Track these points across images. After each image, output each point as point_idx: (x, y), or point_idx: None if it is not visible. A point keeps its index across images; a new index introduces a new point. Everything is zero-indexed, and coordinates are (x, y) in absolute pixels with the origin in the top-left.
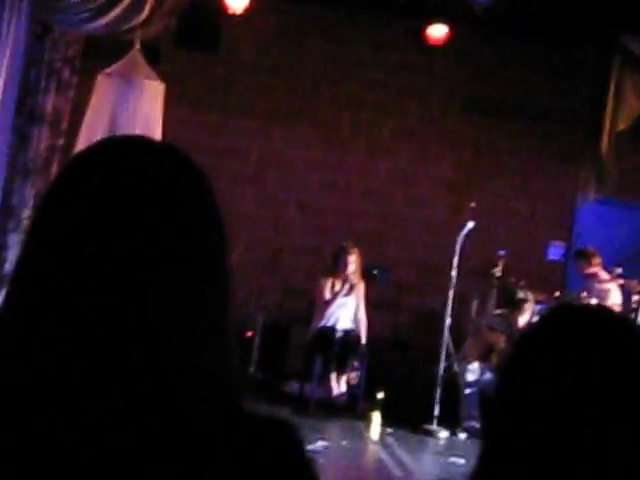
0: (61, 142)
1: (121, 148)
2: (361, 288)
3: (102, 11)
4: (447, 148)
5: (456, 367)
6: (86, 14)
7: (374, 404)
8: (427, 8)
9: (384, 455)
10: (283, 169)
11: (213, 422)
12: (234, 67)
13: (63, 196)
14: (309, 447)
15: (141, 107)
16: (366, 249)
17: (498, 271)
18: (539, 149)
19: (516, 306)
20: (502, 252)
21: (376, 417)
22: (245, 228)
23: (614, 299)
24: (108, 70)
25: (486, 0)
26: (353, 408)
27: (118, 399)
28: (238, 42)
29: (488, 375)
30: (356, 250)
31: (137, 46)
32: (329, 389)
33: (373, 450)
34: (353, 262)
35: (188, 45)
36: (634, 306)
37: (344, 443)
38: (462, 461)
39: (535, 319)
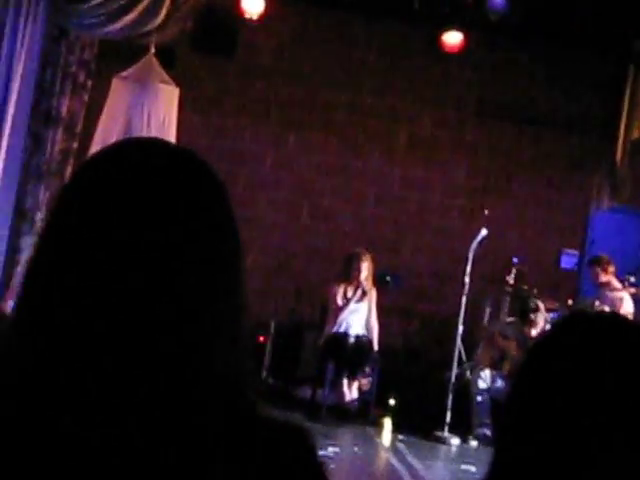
0: (75, 145)
1: (136, 150)
2: (373, 294)
3: (118, 15)
4: (462, 155)
5: (468, 374)
6: (102, 18)
7: (386, 410)
8: (442, 15)
9: (395, 461)
10: (297, 174)
11: (225, 425)
12: (249, 72)
13: (77, 198)
14: (320, 452)
15: (156, 111)
16: (379, 255)
17: (511, 279)
18: (553, 156)
19: (527, 314)
20: (515, 260)
21: (387, 423)
22: (259, 233)
23: (627, 308)
24: (123, 74)
25: (501, 8)
26: (365, 414)
27: (131, 401)
28: (254, 47)
29: (500, 383)
30: (369, 256)
31: (152, 50)
32: (341, 395)
33: (384, 456)
34: (366, 268)
35: (203, 49)
36: None
37: (355, 449)
38: (473, 469)
39: (548, 327)
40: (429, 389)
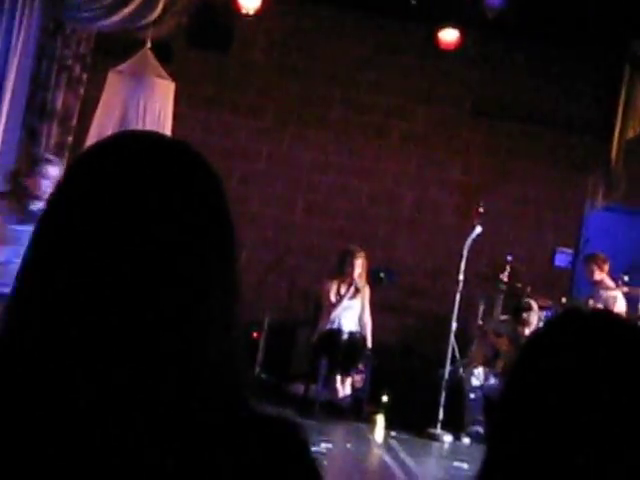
0: (70, 139)
1: (131, 142)
2: (366, 292)
3: (114, 9)
4: (456, 153)
5: (461, 372)
6: (98, 11)
7: (378, 407)
8: (439, 12)
9: (388, 458)
10: (292, 170)
11: (218, 420)
12: (245, 67)
13: (72, 192)
14: (313, 449)
15: (151, 105)
16: (374, 252)
17: (505, 276)
18: (548, 155)
19: (521, 311)
20: (509, 257)
21: (380, 420)
22: (252, 229)
23: (620, 307)
24: (119, 68)
25: (498, 5)
26: (358, 411)
27: (123, 397)
28: (250, 42)
29: (493, 380)
30: (363, 253)
31: (148, 44)
32: (334, 391)
33: (377, 453)
34: (359, 265)
35: (200, 44)
36: None
37: (348, 445)
38: (466, 466)
39: (541, 326)
40: (422, 386)
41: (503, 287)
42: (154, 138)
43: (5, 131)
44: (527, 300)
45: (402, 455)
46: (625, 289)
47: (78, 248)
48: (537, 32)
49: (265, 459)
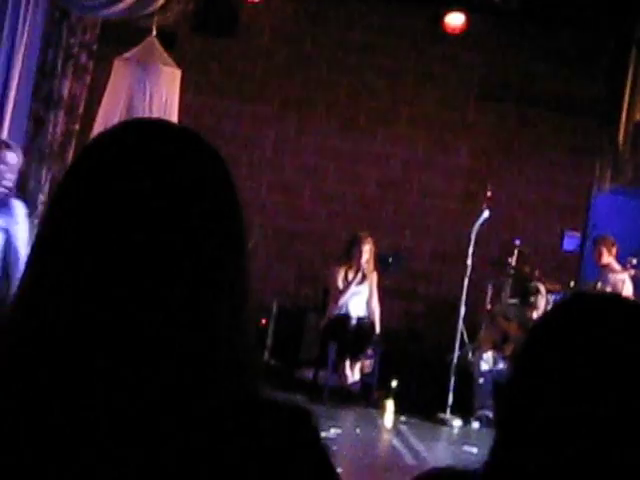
0: (77, 127)
1: (140, 130)
2: (374, 277)
3: None
4: (464, 137)
5: (470, 356)
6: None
7: (388, 392)
8: None
9: (397, 443)
10: (299, 156)
11: (228, 406)
12: (251, 53)
13: (81, 179)
14: (322, 434)
15: (157, 92)
16: (381, 237)
17: (513, 260)
18: (555, 139)
19: (529, 295)
20: (517, 241)
21: (390, 405)
22: (260, 215)
23: (627, 289)
24: (125, 55)
25: None
26: (367, 396)
27: (133, 381)
28: (255, 28)
29: (502, 365)
30: (370, 239)
31: (154, 32)
32: (343, 377)
33: (386, 438)
34: (367, 251)
35: (205, 31)
36: None
37: (357, 431)
38: (475, 450)
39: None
40: (431, 371)
41: (511, 271)
42: (161, 126)
43: (12, 120)
44: (535, 284)
45: (411, 440)
46: (633, 272)
47: (85, 237)
48: (543, 16)
49: (275, 445)
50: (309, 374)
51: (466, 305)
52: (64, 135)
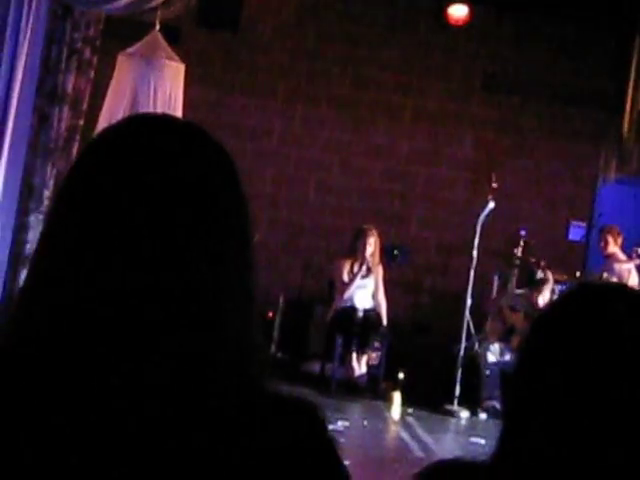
0: (81, 122)
1: (145, 126)
2: (380, 270)
3: None
4: (468, 128)
5: (477, 347)
6: None
7: (395, 384)
8: None
9: (405, 435)
10: (303, 150)
11: (235, 400)
12: (254, 47)
13: (86, 175)
14: (330, 427)
15: (162, 87)
16: (387, 230)
17: (519, 251)
18: (560, 129)
19: (536, 285)
20: (523, 232)
21: (397, 397)
22: (266, 208)
23: (633, 279)
24: (129, 50)
25: None
26: (374, 388)
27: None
28: (259, 22)
29: (509, 356)
30: (375, 232)
31: (157, 26)
32: (350, 369)
33: (394, 430)
34: (372, 244)
35: (209, 25)
36: None
37: (365, 423)
38: (483, 441)
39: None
40: (438, 363)
41: (517, 262)
42: (165, 120)
43: (16, 116)
44: (543, 272)
45: (419, 431)
46: (638, 261)
47: (91, 232)
48: (547, 7)
49: (282, 439)
50: (316, 367)
51: (472, 297)
52: (69, 130)
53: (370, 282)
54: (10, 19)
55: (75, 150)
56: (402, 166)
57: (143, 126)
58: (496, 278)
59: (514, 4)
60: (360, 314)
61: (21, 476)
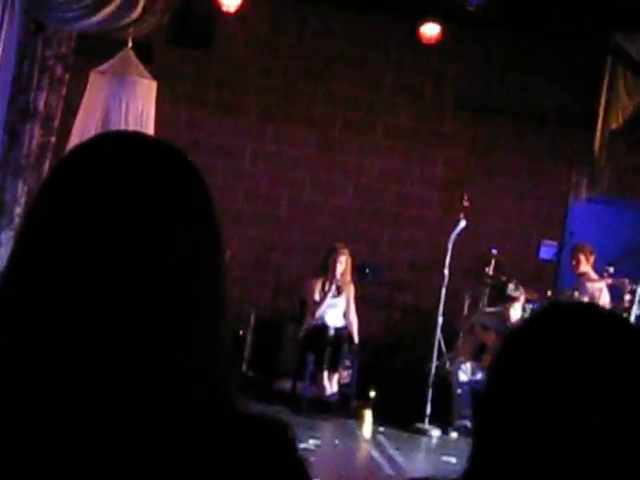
0: (53, 139)
1: (116, 143)
2: (351, 289)
3: (94, 9)
4: (440, 147)
5: (448, 366)
6: (78, 12)
7: (366, 402)
8: (420, 7)
9: (376, 453)
10: (276, 167)
11: (204, 419)
12: (227, 65)
13: (57, 191)
14: (301, 445)
15: (134, 105)
16: (358, 248)
17: (490, 270)
18: (531, 147)
19: (506, 300)
20: (494, 251)
21: (368, 416)
22: (237, 226)
23: (604, 298)
24: (101, 68)
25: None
26: (345, 407)
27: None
28: (231, 40)
29: (480, 375)
30: (346, 251)
31: (130, 44)
32: (322, 388)
33: (365, 448)
34: (342, 262)
35: (181, 43)
36: (626, 305)
37: (336, 441)
38: (454, 460)
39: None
40: (409, 381)
41: (488, 280)
42: (137, 138)
43: None
44: (513, 284)
45: (390, 450)
46: (610, 281)
47: (60, 249)
48: (518, 26)
49: (252, 457)
50: (287, 385)
51: (443, 315)
52: (40, 148)
53: (341, 301)
54: None
55: (46, 167)
56: (374, 184)
57: (114, 144)
58: (467, 296)
59: (486, 23)
60: (331, 332)
61: (21, 476)
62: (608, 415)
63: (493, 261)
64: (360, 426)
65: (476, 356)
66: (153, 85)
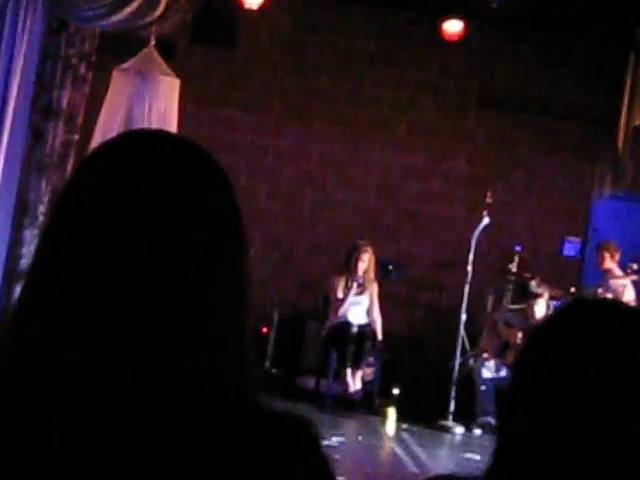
0: (76, 137)
1: (140, 141)
2: (374, 287)
3: (117, 7)
4: (463, 144)
5: (472, 363)
6: (101, 10)
7: (389, 400)
8: (443, 4)
9: (399, 451)
10: (299, 165)
11: (228, 417)
12: (250, 63)
13: (82, 190)
14: (324, 443)
15: (156, 103)
16: (382, 245)
17: (514, 267)
18: (555, 144)
19: (530, 297)
20: (518, 248)
21: (391, 413)
22: (261, 224)
23: (629, 295)
24: (124, 66)
25: None
26: (369, 404)
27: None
28: (254, 38)
29: (504, 371)
30: (370, 248)
31: (152, 42)
32: (345, 385)
33: (388, 446)
34: (365, 260)
35: (204, 41)
36: None
37: (360, 439)
38: (477, 457)
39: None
40: (433, 378)
41: (512, 278)
42: (161, 136)
43: (11, 131)
44: (536, 282)
45: (413, 447)
46: (634, 277)
47: (86, 248)
48: (541, 22)
49: (276, 455)
50: (311, 382)
51: (467, 312)
52: (63, 146)
53: (365, 299)
54: (5, 34)
55: (70, 166)
56: (397, 181)
57: (138, 142)
58: (491, 293)
59: (509, 19)
60: (355, 329)
61: (22, 476)
62: (634, 411)
63: (517, 258)
64: (383, 423)
65: (500, 353)
66: (176, 83)
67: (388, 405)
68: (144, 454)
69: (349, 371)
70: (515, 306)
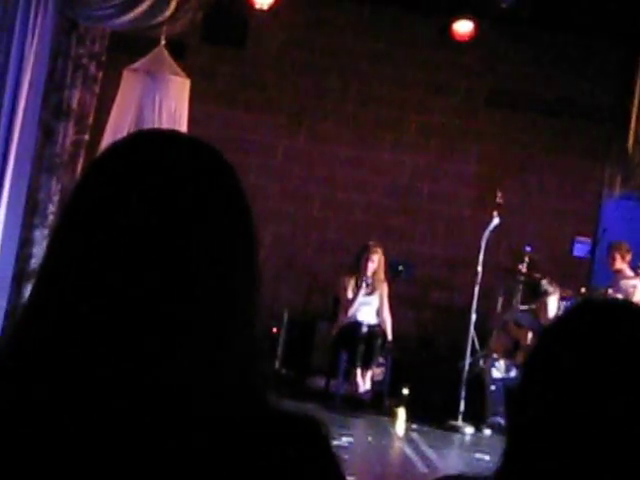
0: (87, 137)
1: (151, 141)
2: (384, 288)
3: (128, 7)
4: (473, 144)
5: (482, 363)
6: (112, 10)
7: (399, 400)
8: (453, 4)
9: (409, 451)
10: (309, 165)
11: (238, 417)
12: (260, 63)
13: (92, 190)
14: (334, 443)
15: (167, 103)
16: (391, 245)
17: (524, 267)
18: (565, 145)
19: (540, 296)
20: (528, 248)
21: (401, 413)
22: (270, 224)
23: (639, 296)
24: (134, 66)
25: None
26: (378, 404)
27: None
28: (264, 38)
29: (514, 372)
30: (379, 249)
31: (163, 42)
32: (355, 385)
33: (398, 446)
34: (375, 261)
35: (214, 41)
36: None
37: (369, 439)
38: (487, 457)
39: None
40: (442, 378)
41: (522, 278)
42: (172, 136)
43: (22, 130)
44: (547, 281)
45: (423, 447)
46: None
47: (96, 248)
48: (552, 22)
49: (285, 456)
50: (320, 383)
51: (477, 312)
52: (73, 145)
53: (375, 299)
54: (16, 33)
55: (80, 165)
56: (407, 182)
57: (148, 142)
58: (501, 294)
59: (518, 20)
60: (365, 329)
61: (22, 476)
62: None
63: (527, 258)
64: (393, 423)
65: (509, 353)
66: (186, 83)
67: (398, 405)
68: (144, 454)
69: (359, 371)
70: (525, 306)
